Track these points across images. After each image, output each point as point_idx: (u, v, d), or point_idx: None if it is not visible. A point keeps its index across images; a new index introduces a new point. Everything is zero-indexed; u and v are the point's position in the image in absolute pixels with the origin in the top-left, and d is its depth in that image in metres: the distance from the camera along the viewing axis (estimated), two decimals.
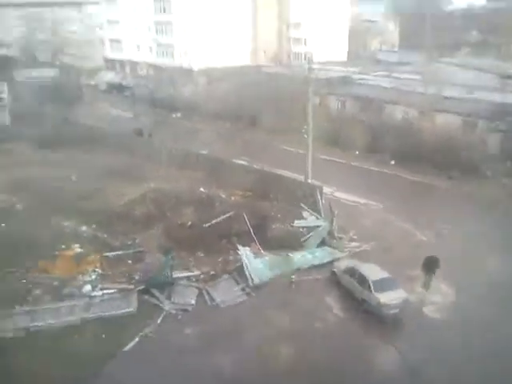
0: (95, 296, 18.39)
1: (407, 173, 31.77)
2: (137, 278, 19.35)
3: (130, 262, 20.57)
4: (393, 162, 34.01)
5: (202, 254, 21.39)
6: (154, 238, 22.31)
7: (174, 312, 17.70)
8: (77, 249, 21.46)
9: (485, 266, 20.30)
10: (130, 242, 22.01)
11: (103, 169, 30.06)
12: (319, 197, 25.10)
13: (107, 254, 20.76)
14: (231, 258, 21.19)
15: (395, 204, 26.79)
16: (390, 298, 17.26)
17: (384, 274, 18.31)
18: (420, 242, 22.99)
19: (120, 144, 35.07)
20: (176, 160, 31.75)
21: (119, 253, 20.96)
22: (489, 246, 21.90)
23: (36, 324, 16.62)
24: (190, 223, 23.46)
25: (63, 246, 21.49)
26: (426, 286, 18.79)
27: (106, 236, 22.50)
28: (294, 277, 19.89)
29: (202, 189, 27.81)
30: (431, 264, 18.64)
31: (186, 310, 17.84)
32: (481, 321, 17.08)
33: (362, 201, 27.89)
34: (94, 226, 23.45)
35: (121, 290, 18.71)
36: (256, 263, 20.33)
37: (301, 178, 27.13)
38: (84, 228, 23.42)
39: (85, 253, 21.06)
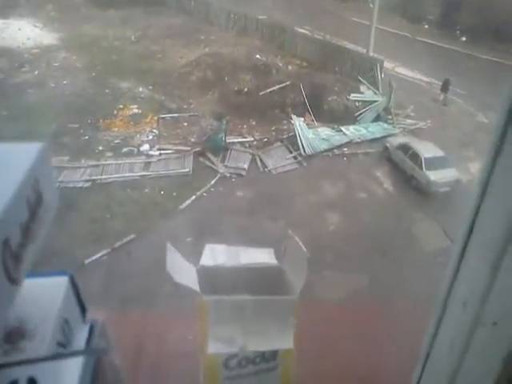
0: (153, 155, 19.26)
1: (481, 51, 29.40)
2: (192, 140, 19.96)
3: (185, 124, 21.08)
4: (464, 39, 31.49)
5: (255, 122, 21.58)
6: (209, 102, 22.51)
7: (227, 175, 18.44)
8: (134, 109, 22.06)
9: None
10: (185, 106, 22.35)
11: (162, 30, 29.50)
12: (379, 71, 24.06)
13: (164, 115, 21.09)
14: (284, 127, 21.31)
15: (461, 84, 25.30)
16: (440, 177, 17.19)
17: (437, 153, 18.04)
18: (482, 123, 22.05)
19: (181, 5, 33.82)
20: (235, 25, 30.64)
21: (175, 115, 21.35)
22: None
23: (101, 177, 17.78)
24: (246, 90, 23.36)
25: (121, 106, 22.10)
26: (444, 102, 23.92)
27: (163, 98, 22.86)
28: (346, 149, 19.98)
29: (258, 56, 27.09)
30: (446, 84, 23.53)
31: (239, 174, 18.53)
32: None
33: (426, 79, 26.52)
34: (150, 87, 23.75)
35: (177, 152, 19.47)
36: (309, 134, 20.41)
37: (362, 50, 25.86)
38: (141, 89, 23.74)
39: (142, 113, 21.67)
